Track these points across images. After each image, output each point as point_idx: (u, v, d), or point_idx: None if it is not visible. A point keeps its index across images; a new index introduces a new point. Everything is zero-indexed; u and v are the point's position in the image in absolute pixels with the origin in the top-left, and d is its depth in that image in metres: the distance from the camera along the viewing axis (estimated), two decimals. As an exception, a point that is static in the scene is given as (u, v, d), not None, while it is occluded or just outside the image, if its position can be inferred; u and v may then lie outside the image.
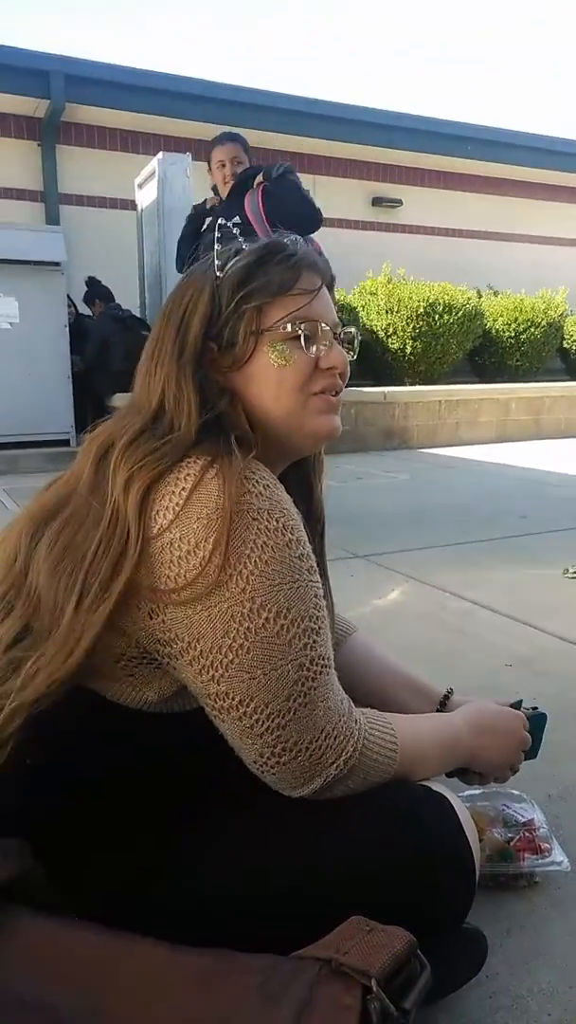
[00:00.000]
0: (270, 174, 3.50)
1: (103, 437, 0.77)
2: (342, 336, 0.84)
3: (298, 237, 0.86)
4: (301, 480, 0.94)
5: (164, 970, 0.54)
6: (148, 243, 6.29)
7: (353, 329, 0.87)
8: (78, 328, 6.26)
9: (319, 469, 0.97)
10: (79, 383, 6.14)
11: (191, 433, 0.74)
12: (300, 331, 0.79)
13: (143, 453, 0.72)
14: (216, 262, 0.80)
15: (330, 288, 0.85)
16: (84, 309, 6.52)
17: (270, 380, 0.79)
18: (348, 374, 0.85)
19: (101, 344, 5.91)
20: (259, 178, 3.54)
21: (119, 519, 0.70)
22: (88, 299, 6.42)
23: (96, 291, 6.36)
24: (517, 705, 0.98)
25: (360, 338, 0.89)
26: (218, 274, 0.79)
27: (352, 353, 0.85)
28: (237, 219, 3.59)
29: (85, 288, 6.39)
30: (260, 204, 3.40)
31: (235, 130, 9.39)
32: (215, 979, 0.53)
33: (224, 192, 3.67)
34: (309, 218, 3.43)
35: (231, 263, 0.80)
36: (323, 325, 0.81)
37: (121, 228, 7.23)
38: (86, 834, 0.75)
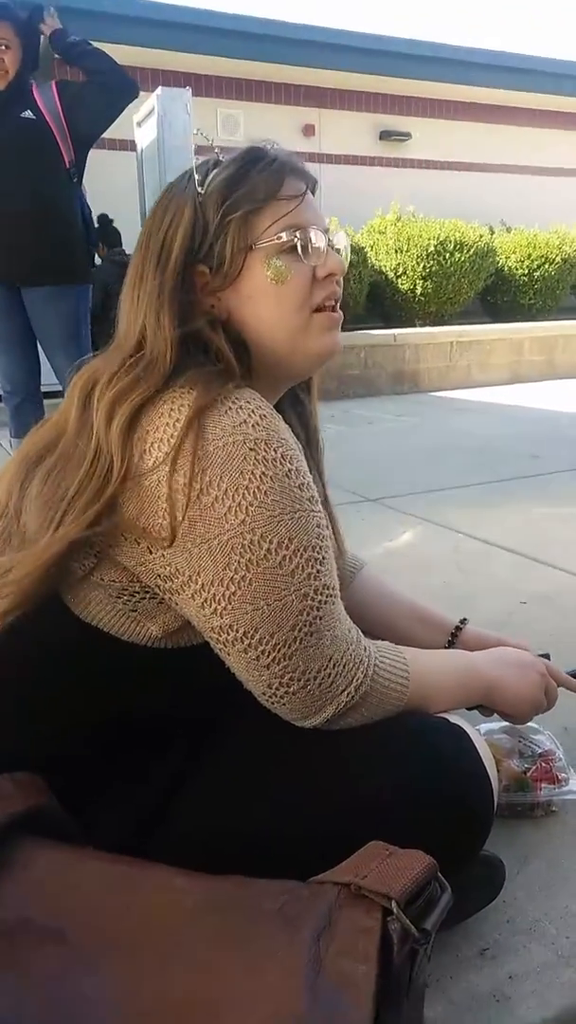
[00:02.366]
0: (59, 46, 2.75)
1: (87, 376, 0.75)
2: (333, 242, 0.80)
3: (276, 141, 0.81)
4: (294, 406, 0.91)
5: (181, 896, 0.54)
6: (149, 185, 6.08)
7: (343, 234, 0.83)
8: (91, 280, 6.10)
9: (312, 392, 0.94)
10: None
11: (167, 359, 0.71)
12: (295, 239, 0.76)
13: (124, 385, 0.70)
14: (196, 177, 0.76)
15: (313, 191, 0.81)
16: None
17: (268, 300, 0.77)
18: (342, 284, 0.82)
19: (103, 292, 5.76)
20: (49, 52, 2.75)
21: (101, 453, 0.68)
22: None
23: (105, 232, 6.16)
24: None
25: (349, 245, 0.85)
26: (199, 190, 0.75)
27: (345, 259, 0.82)
28: (29, 113, 2.99)
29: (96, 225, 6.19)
30: (56, 98, 2.72)
31: (233, 61, 8.87)
32: (234, 904, 0.53)
33: None
34: (125, 83, 2.81)
35: (211, 176, 0.76)
36: (315, 230, 0.77)
37: (120, 169, 7.01)
38: (98, 770, 0.75)
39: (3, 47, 2.65)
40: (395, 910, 0.50)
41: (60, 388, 3.01)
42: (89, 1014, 0.49)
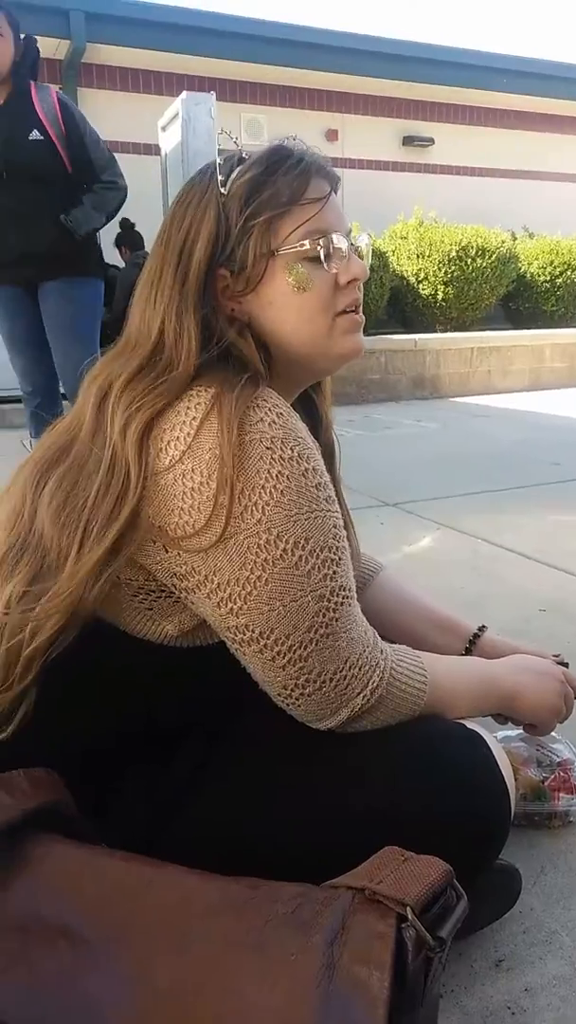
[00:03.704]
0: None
1: (101, 378, 0.74)
2: (355, 244, 0.79)
3: (300, 138, 0.79)
4: (307, 407, 0.90)
5: (194, 896, 0.54)
6: (173, 189, 6.12)
7: (366, 236, 0.82)
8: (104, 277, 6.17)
9: (324, 393, 0.93)
10: (106, 333, 6.07)
11: (189, 370, 0.70)
12: (318, 247, 0.74)
13: (140, 393, 0.69)
14: (219, 177, 0.74)
15: (336, 190, 0.79)
16: (109, 257, 6.41)
17: (290, 307, 0.75)
18: (363, 288, 0.80)
19: (128, 294, 5.80)
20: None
21: (118, 462, 0.68)
22: (118, 243, 6.29)
23: (128, 236, 6.20)
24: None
25: (372, 248, 0.83)
26: (222, 190, 0.74)
27: (367, 262, 0.80)
28: (36, 134, 2.65)
29: (118, 230, 6.25)
30: (58, 113, 2.61)
31: (257, 66, 8.86)
32: (247, 906, 0.53)
33: None
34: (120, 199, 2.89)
35: (235, 176, 0.74)
36: (338, 236, 0.75)
37: (145, 173, 7.07)
38: (112, 767, 0.75)
39: None
40: (410, 916, 0.49)
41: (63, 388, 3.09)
42: (98, 1011, 0.48)
